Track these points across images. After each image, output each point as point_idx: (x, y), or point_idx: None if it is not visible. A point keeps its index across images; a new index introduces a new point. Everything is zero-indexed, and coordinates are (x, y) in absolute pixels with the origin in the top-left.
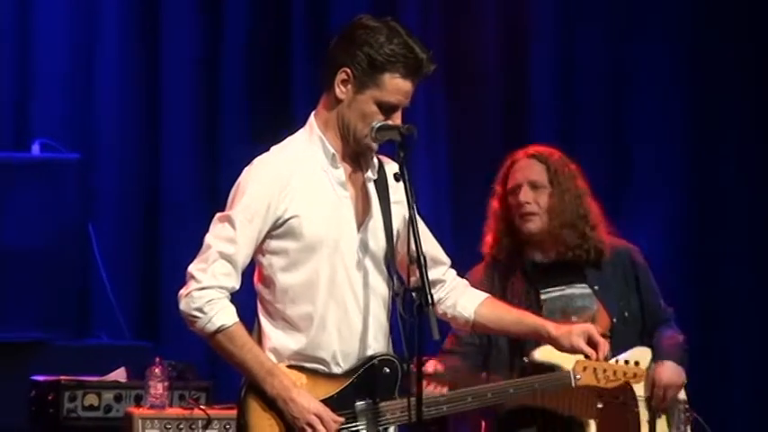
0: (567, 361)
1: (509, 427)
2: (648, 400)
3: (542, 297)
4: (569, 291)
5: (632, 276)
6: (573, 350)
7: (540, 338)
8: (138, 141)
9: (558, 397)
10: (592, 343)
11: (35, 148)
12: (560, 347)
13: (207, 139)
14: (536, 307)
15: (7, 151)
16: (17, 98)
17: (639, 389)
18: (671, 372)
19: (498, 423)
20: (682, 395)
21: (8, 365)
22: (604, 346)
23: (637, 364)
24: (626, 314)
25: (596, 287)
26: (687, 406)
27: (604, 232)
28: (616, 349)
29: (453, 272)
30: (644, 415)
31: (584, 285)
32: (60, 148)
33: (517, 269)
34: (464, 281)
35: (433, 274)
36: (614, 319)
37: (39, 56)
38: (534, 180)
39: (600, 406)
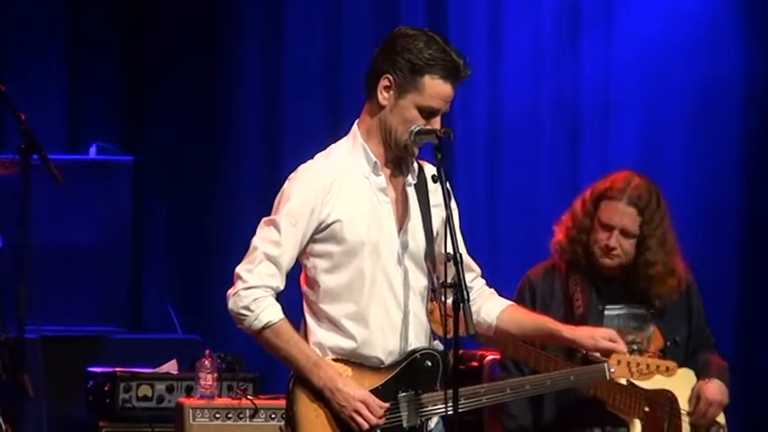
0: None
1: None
2: (690, 415)
3: (605, 312)
4: (628, 310)
5: (687, 302)
6: (597, 349)
7: (555, 341)
8: (191, 143)
9: (608, 391)
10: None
11: (92, 151)
12: (584, 347)
13: (262, 142)
14: (598, 319)
15: (65, 154)
16: (76, 104)
17: (683, 403)
18: (716, 389)
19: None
20: (722, 419)
21: (67, 358)
22: (623, 347)
23: (669, 370)
24: (677, 338)
25: (653, 310)
26: (725, 430)
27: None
28: None
29: (482, 281)
30: (685, 430)
31: (641, 307)
32: (115, 151)
33: (584, 278)
34: (491, 290)
35: None
36: (668, 342)
37: (96, 61)
38: (627, 230)
39: (647, 409)
